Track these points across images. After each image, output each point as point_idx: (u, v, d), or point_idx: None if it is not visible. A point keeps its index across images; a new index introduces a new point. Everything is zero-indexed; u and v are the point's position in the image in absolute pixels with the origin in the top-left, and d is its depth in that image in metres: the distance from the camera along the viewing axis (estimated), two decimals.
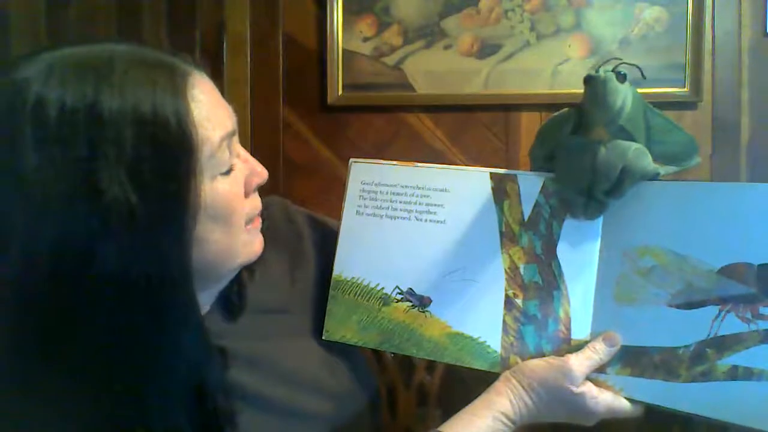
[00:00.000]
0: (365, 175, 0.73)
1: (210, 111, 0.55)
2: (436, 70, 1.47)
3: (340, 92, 1.49)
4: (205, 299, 0.64)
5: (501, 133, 1.48)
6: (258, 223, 0.64)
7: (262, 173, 0.62)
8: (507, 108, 1.46)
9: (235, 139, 0.60)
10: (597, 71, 0.62)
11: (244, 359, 0.64)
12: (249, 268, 0.68)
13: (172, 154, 0.51)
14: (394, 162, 0.73)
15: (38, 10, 1.52)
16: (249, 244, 0.62)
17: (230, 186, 0.57)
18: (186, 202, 0.52)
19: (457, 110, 1.48)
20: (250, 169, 0.61)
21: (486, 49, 1.46)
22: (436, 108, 1.49)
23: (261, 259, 0.65)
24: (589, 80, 0.62)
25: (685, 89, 1.40)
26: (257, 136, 1.53)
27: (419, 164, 0.72)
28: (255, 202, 0.63)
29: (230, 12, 1.52)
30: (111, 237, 0.49)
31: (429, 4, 1.47)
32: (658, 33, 1.40)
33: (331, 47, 1.48)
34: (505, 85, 1.45)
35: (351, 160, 0.75)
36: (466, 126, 1.49)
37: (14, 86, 0.50)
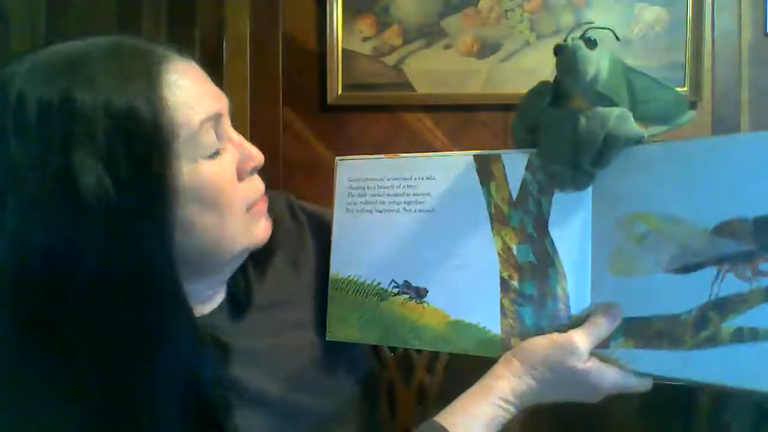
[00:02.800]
0: (352, 172, 0.72)
1: (189, 95, 0.55)
2: (436, 70, 1.47)
3: (340, 92, 1.49)
4: (209, 288, 0.64)
5: (501, 133, 1.48)
6: (261, 207, 0.63)
7: (256, 157, 0.61)
8: (507, 108, 1.46)
9: (225, 122, 0.59)
10: (566, 40, 0.60)
11: (249, 356, 0.64)
12: (258, 266, 0.68)
13: (144, 141, 0.52)
14: (379, 155, 0.72)
15: (38, 10, 1.53)
16: (251, 229, 0.61)
17: (218, 169, 0.57)
18: (163, 187, 0.52)
19: (457, 110, 1.48)
20: (243, 153, 0.60)
21: (486, 49, 1.46)
22: (436, 108, 1.48)
23: (269, 254, 0.65)
24: (558, 50, 0.60)
25: (685, 89, 1.40)
26: (257, 136, 1.53)
27: (403, 155, 0.71)
28: (253, 187, 0.62)
29: (230, 12, 1.52)
30: (91, 227, 0.50)
31: (429, 4, 1.47)
32: (658, 33, 1.40)
33: (331, 47, 1.48)
34: (505, 85, 1.45)
35: (337, 158, 0.74)
36: (466, 126, 1.49)
37: (0, 84, 0.52)
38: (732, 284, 0.55)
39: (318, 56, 1.50)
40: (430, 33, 1.47)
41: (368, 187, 0.72)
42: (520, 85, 1.43)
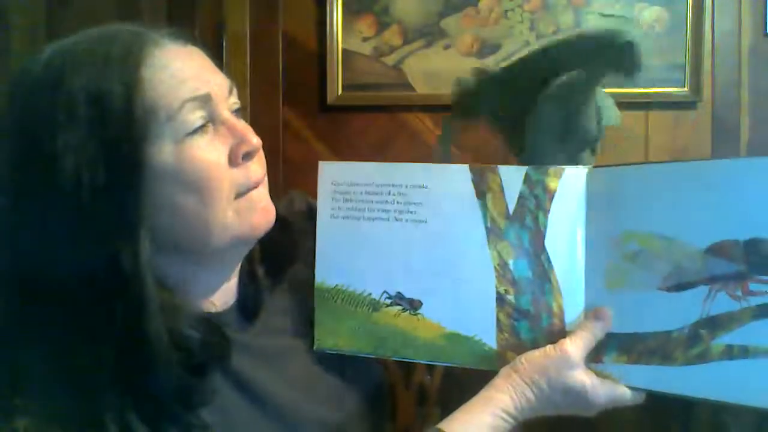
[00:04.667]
0: (336, 176, 0.69)
1: (174, 75, 0.55)
2: (435, 70, 1.47)
3: (339, 92, 1.49)
4: (214, 278, 0.63)
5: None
6: (257, 197, 0.61)
7: (250, 141, 0.58)
8: None
9: (219, 105, 0.58)
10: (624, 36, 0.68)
11: (260, 356, 0.64)
12: (275, 269, 0.68)
13: (117, 121, 0.52)
14: (368, 162, 0.70)
15: (38, 10, 1.52)
16: (245, 217, 0.59)
17: (203, 152, 0.56)
18: (136, 166, 0.53)
19: None
20: (236, 137, 0.58)
21: (486, 49, 1.46)
22: (436, 108, 1.48)
23: (289, 259, 0.67)
24: (628, 46, 0.68)
25: (685, 89, 1.40)
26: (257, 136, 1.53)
27: (392, 164, 0.69)
28: (246, 173, 0.59)
29: (230, 12, 1.52)
30: (67, 211, 0.52)
31: (429, 4, 1.47)
32: (658, 33, 1.40)
33: (330, 47, 1.48)
34: None
35: (320, 162, 0.71)
36: (465, 126, 1.49)
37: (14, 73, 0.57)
38: (723, 303, 0.56)
39: (318, 56, 1.50)
40: (430, 33, 1.47)
41: (354, 193, 0.69)
42: None
